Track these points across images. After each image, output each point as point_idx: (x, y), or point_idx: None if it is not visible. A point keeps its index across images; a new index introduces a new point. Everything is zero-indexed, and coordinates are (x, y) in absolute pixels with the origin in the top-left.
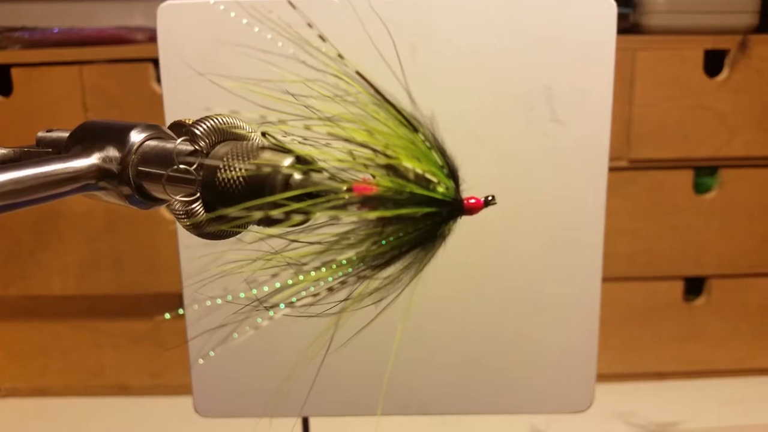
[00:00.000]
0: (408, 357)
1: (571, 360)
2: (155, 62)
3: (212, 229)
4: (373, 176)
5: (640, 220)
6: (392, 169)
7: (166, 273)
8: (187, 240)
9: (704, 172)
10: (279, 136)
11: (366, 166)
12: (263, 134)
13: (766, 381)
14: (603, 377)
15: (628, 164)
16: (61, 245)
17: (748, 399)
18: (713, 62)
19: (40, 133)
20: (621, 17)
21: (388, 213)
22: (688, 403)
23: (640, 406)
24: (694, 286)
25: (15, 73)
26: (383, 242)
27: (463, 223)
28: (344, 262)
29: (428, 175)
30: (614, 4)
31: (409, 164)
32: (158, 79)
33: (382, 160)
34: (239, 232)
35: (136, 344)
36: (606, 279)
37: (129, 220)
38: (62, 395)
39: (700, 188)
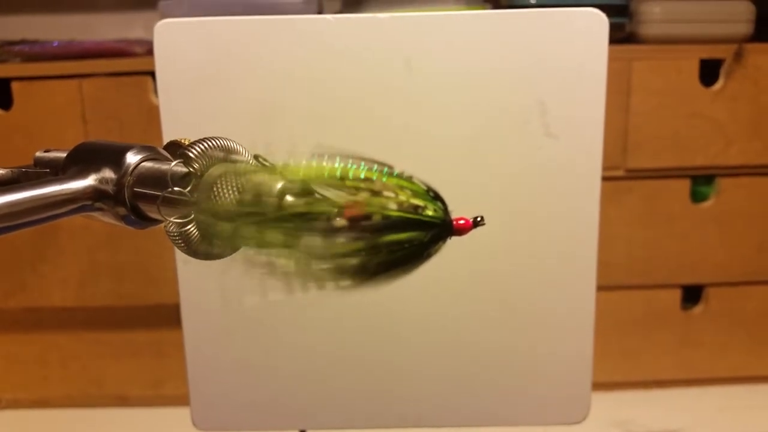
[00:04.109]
0: (404, 369)
1: (567, 372)
2: (154, 75)
3: (205, 250)
4: (364, 198)
5: (638, 229)
6: (379, 196)
7: (165, 284)
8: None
9: (701, 181)
10: (271, 159)
11: (356, 190)
12: (256, 157)
13: (764, 389)
14: (601, 386)
15: (624, 173)
16: (61, 257)
17: (746, 407)
18: (709, 71)
19: (38, 154)
20: (617, 27)
21: (379, 239)
22: (687, 411)
23: (638, 415)
24: (691, 294)
25: (15, 86)
26: (370, 260)
27: (457, 237)
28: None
29: (415, 201)
30: (606, 19)
31: (395, 192)
32: (157, 92)
33: (370, 186)
34: (232, 253)
35: (136, 355)
36: (603, 287)
37: (128, 231)
38: (63, 406)
39: (696, 197)
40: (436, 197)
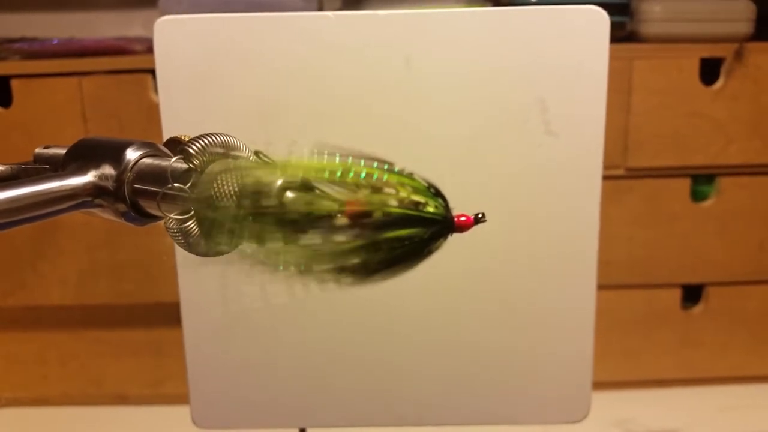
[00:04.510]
0: (404, 368)
1: (567, 370)
2: (154, 73)
3: (206, 247)
4: (365, 195)
5: (638, 228)
6: (379, 192)
7: (165, 283)
8: (184, 251)
9: (701, 180)
10: (272, 156)
11: (357, 186)
12: (256, 153)
13: (764, 388)
14: (601, 385)
15: (625, 172)
16: (61, 255)
17: (746, 406)
18: (709, 70)
19: (38, 150)
20: (618, 26)
21: (380, 236)
22: (687, 410)
23: (638, 414)
24: (692, 294)
25: (15, 84)
26: (371, 257)
27: (458, 233)
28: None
29: (416, 197)
30: (607, 16)
31: (396, 188)
32: (157, 90)
33: (370, 182)
34: (232, 250)
35: (135, 354)
36: (604, 287)
37: (128, 230)
38: (62, 405)
39: (697, 196)
40: (437, 194)
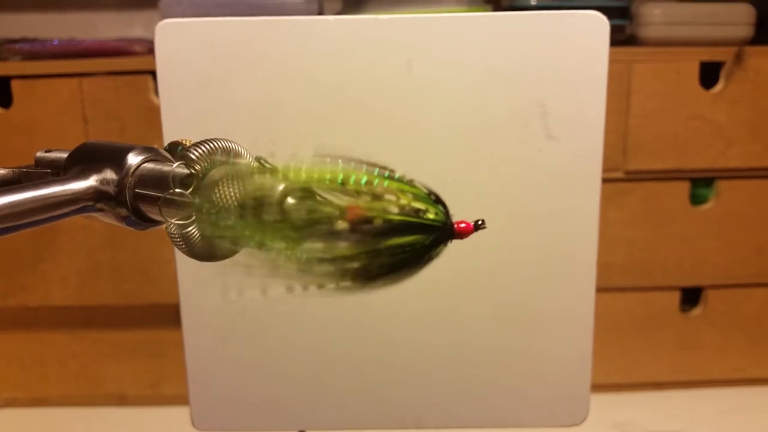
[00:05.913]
0: (403, 371)
1: (566, 373)
2: (154, 74)
3: (207, 252)
4: (365, 202)
5: (637, 231)
6: (380, 199)
7: (164, 283)
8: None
9: (700, 183)
10: (273, 162)
11: (358, 193)
12: (258, 159)
13: (763, 391)
14: (600, 387)
15: (624, 175)
16: (61, 256)
17: (745, 409)
18: (709, 74)
19: (39, 153)
20: (617, 29)
21: (381, 243)
22: (685, 413)
23: (637, 416)
24: (690, 297)
25: (15, 84)
26: (371, 264)
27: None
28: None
29: (416, 204)
30: (606, 21)
31: (396, 195)
32: (157, 92)
33: (371, 189)
34: (233, 255)
35: (135, 354)
36: (602, 289)
37: (128, 231)
38: (61, 405)
39: (696, 199)
40: (438, 201)
